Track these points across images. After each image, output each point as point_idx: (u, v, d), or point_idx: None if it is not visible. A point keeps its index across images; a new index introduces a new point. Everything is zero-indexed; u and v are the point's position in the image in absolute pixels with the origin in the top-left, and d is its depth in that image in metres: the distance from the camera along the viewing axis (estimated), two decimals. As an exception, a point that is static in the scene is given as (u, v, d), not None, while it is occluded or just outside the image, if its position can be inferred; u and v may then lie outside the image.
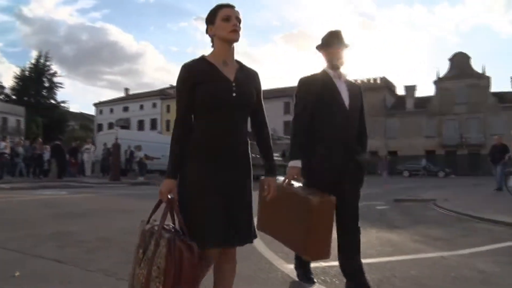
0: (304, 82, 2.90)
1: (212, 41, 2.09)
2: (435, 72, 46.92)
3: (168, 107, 59.17)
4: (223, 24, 2.00)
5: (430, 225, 6.42)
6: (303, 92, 2.88)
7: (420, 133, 46.09)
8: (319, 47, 2.95)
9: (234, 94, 1.97)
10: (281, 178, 2.63)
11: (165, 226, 1.93)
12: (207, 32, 2.11)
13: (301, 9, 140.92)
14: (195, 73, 1.98)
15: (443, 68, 48.70)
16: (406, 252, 4.28)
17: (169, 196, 1.97)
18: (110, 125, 58.03)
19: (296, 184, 2.71)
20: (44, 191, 11.87)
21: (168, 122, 58.38)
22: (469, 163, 41.98)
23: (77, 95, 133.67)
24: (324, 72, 2.90)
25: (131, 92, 70.64)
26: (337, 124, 2.77)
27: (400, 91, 51.88)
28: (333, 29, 2.93)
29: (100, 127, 61.94)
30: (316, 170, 2.76)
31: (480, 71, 45.63)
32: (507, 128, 34.43)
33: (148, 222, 2.05)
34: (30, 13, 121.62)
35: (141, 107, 62.02)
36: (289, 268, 3.48)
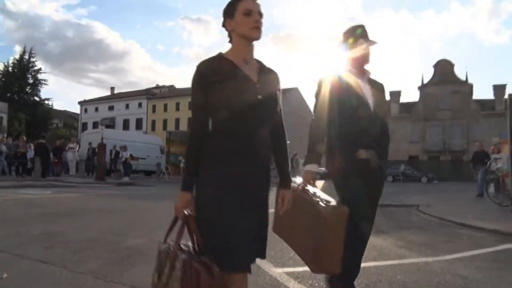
0: (324, 82, 2.65)
1: (230, 36, 1.88)
2: (420, 78, 47.59)
3: (154, 107, 58.82)
4: (243, 19, 1.80)
5: (414, 230, 6.54)
6: (322, 93, 2.63)
7: (404, 138, 46.64)
8: (341, 44, 2.72)
9: (259, 96, 1.77)
10: (297, 181, 2.48)
11: (181, 246, 1.74)
12: (223, 25, 1.89)
13: (289, 12, 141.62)
14: (213, 71, 1.76)
15: (428, 74, 49.45)
16: (391, 257, 4.37)
17: (185, 212, 1.76)
18: (95, 124, 57.48)
19: (312, 189, 2.50)
20: (29, 190, 11.71)
21: (153, 122, 58.04)
22: (452, 169, 42.60)
23: (61, 92, 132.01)
24: (346, 71, 2.66)
25: (116, 91, 70.08)
26: (360, 127, 2.55)
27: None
28: (356, 23, 2.71)
29: (84, 125, 61.27)
30: (337, 174, 2.59)
31: (463, 78, 46.45)
32: (488, 134, 35.16)
33: (164, 241, 1.83)
34: (14, 7, 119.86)
35: (127, 106, 61.49)
36: (277, 272, 3.53)
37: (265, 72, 1.88)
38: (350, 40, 2.65)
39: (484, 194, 12.23)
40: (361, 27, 2.68)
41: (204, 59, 1.84)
